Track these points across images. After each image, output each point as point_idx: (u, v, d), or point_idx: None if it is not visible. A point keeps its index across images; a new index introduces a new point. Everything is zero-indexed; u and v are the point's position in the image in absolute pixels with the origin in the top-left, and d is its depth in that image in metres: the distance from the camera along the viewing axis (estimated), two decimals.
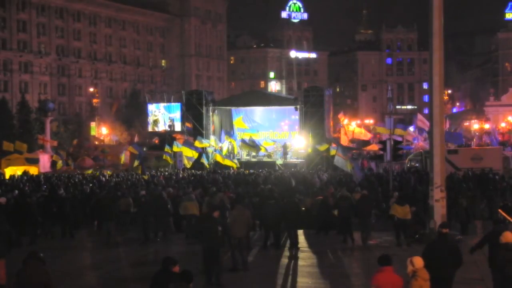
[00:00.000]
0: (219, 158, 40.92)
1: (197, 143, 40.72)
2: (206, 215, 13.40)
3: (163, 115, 50.09)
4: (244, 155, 45.71)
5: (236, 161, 42.44)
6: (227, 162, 40.72)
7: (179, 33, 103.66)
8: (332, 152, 32.32)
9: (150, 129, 52.36)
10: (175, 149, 39.79)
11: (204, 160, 40.41)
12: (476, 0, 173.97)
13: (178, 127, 49.43)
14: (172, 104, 50.52)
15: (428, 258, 10.90)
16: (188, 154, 39.58)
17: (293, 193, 21.39)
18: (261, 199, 19.98)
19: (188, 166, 40.30)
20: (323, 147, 39.47)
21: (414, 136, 48.46)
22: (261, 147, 44.29)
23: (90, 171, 39.49)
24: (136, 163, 38.14)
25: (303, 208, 20.19)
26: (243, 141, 44.88)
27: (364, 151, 51.34)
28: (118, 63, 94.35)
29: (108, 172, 39.93)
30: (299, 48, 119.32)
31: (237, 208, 15.69)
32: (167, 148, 39.91)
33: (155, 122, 50.41)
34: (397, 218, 17.78)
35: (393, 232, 18.44)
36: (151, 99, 54.17)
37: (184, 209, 19.61)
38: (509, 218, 17.73)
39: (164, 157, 40.55)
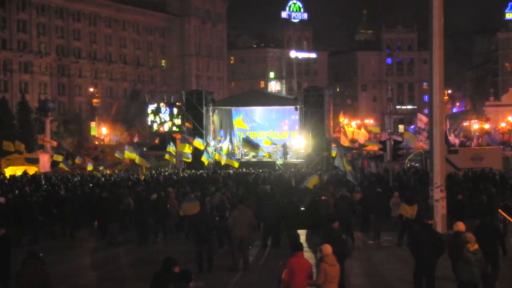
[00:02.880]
0: (219, 158, 40.71)
1: (195, 142, 40.29)
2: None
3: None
4: (249, 154, 45.54)
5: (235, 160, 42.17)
6: (228, 161, 40.49)
7: (179, 33, 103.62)
8: (333, 153, 32.23)
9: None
10: (170, 149, 38.98)
11: (205, 158, 39.91)
12: (476, 0, 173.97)
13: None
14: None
15: (412, 246, 12.17)
16: (184, 149, 38.97)
17: (293, 193, 21.35)
18: (258, 199, 19.94)
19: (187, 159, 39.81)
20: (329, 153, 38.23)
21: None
22: (260, 149, 44.01)
23: (90, 167, 39.30)
24: (141, 160, 36.40)
25: (302, 208, 20.17)
26: (245, 140, 44.70)
27: (364, 151, 51.30)
28: (118, 63, 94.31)
29: (108, 172, 39.84)
30: (299, 48, 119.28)
31: (239, 208, 15.65)
32: (171, 148, 38.80)
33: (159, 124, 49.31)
34: (405, 218, 17.74)
35: (396, 231, 18.40)
36: (151, 99, 54.00)
37: (184, 210, 19.52)
38: (509, 218, 17.73)
39: (167, 157, 40.19)
